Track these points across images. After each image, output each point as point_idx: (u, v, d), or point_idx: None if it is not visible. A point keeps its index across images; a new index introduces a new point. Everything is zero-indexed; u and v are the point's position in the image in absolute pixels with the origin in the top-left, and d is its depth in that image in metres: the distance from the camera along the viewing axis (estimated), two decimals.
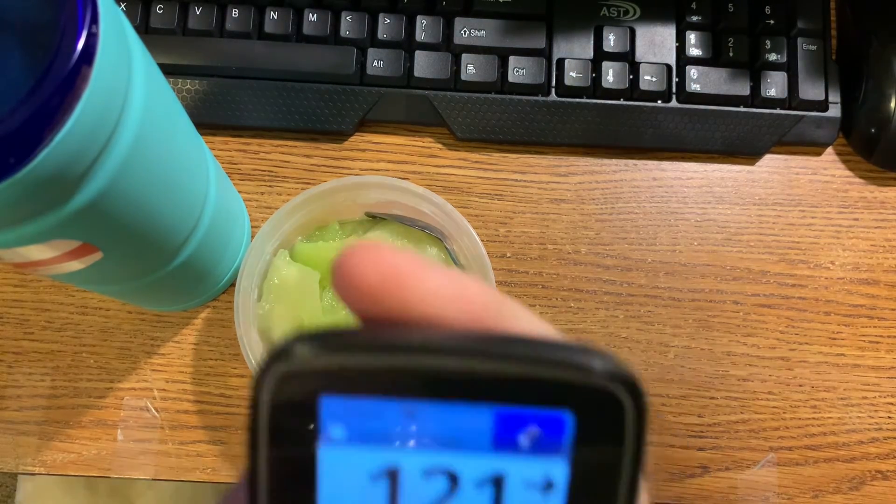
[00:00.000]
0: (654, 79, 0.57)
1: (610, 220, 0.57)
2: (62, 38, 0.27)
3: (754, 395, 0.55)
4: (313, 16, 0.57)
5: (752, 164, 0.58)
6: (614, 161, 0.58)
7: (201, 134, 0.45)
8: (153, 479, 0.53)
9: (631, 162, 0.58)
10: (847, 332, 0.56)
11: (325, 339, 0.22)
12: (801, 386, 0.55)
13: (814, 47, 0.58)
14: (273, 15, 0.57)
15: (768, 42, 0.57)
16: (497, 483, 0.22)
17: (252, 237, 0.54)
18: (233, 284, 0.54)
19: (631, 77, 0.57)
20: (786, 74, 0.57)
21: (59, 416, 0.53)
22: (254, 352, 0.49)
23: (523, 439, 0.22)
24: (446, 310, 0.22)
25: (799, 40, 0.58)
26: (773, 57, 0.57)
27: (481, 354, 0.22)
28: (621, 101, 0.57)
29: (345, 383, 0.22)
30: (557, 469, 0.22)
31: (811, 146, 0.58)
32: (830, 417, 0.55)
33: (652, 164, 0.58)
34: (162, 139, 0.36)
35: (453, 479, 0.22)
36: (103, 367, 0.54)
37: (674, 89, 0.57)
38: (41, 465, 0.51)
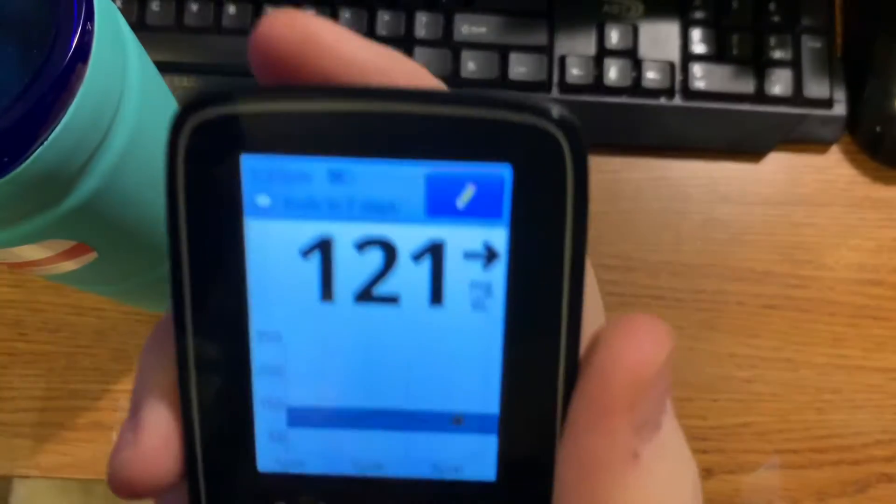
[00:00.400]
0: (657, 76, 0.56)
1: (612, 220, 0.57)
2: (56, 36, 0.27)
3: (758, 397, 0.54)
4: (310, 12, 0.56)
5: (757, 162, 0.58)
6: (617, 159, 0.58)
7: None
8: None
9: (633, 160, 0.58)
10: (852, 334, 0.55)
11: (246, 87, 0.20)
12: (805, 388, 0.55)
13: (819, 44, 0.57)
14: (271, 11, 0.56)
15: (773, 39, 0.57)
16: (435, 253, 0.21)
17: None
18: None
19: (634, 74, 0.57)
20: (790, 71, 0.57)
21: (54, 419, 0.53)
22: None
23: (460, 202, 0.21)
24: (370, 81, 0.21)
25: (803, 37, 0.57)
26: (777, 54, 0.57)
27: (411, 98, 0.20)
28: (624, 99, 0.57)
29: (268, 137, 0.20)
30: (497, 234, 0.21)
31: (816, 144, 0.58)
32: (835, 420, 0.54)
33: (655, 163, 0.58)
34: (157, 138, 0.34)
35: (389, 252, 0.21)
36: (98, 368, 0.53)
37: (677, 87, 0.57)
38: (36, 467, 0.52)
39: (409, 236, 0.21)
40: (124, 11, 0.55)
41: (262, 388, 0.22)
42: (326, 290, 0.21)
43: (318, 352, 0.22)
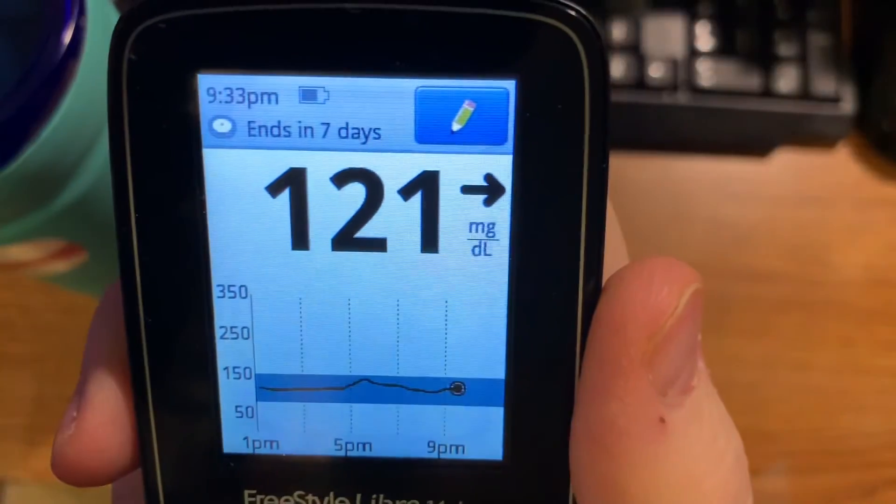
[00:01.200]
0: (661, 72, 0.56)
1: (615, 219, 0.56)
2: (48, 32, 0.27)
3: (765, 399, 0.54)
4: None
5: (763, 160, 0.57)
6: (619, 157, 0.57)
7: None
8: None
9: (637, 158, 0.57)
10: (861, 335, 0.55)
11: None
12: (813, 390, 0.54)
13: (826, 39, 0.57)
14: None
15: (779, 34, 0.56)
16: (428, 188, 0.18)
17: None
18: None
19: (637, 70, 0.56)
20: (797, 67, 0.56)
21: (46, 422, 0.52)
22: None
23: (456, 124, 0.18)
24: None
25: (810, 32, 0.57)
26: (783, 50, 0.56)
27: None
28: (627, 96, 0.56)
29: (227, 49, 0.18)
30: (501, 163, 0.18)
31: (824, 141, 0.57)
32: (843, 423, 0.54)
33: (659, 161, 0.57)
34: None
35: (373, 186, 0.18)
36: None
37: (681, 83, 0.56)
38: (27, 471, 0.51)
39: (396, 167, 0.18)
40: (117, 6, 0.54)
41: (226, 354, 0.19)
42: (299, 234, 0.19)
43: (291, 309, 0.19)
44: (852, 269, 0.55)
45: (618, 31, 0.56)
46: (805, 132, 0.56)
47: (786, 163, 0.57)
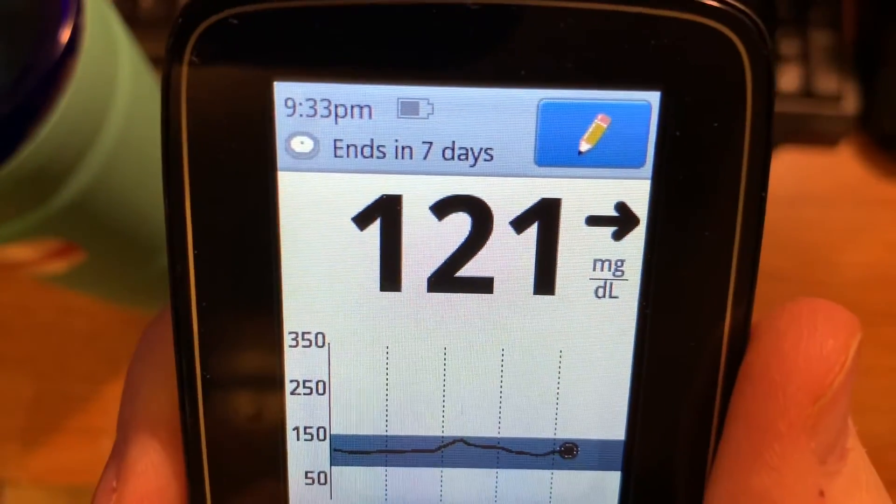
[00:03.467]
0: None
1: None
2: (46, 30, 0.27)
3: None
4: None
5: None
6: None
7: None
8: None
9: None
10: (864, 336, 0.54)
11: None
12: None
13: (828, 38, 0.56)
14: None
15: (781, 33, 0.56)
16: (546, 218, 0.15)
17: None
18: None
19: None
20: (799, 66, 0.56)
21: (43, 423, 0.52)
22: None
23: (584, 144, 0.15)
24: None
25: (812, 31, 0.56)
26: (786, 49, 0.56)
27: None
28: None
29: (311, 53, 0.15)
30: (637, 189, 0.15)
31: (826, 141, 0.57)
32: None
33: None
34: (149, 134, 0.35)
35: (481, 216, 0.15)
36: (89, 371, 0.53)
37: None
38: (24, 472, 0.51)
39: (509, 194, 0.16)
40: (116, 4, 0.54)
41: (296, 412, 0.17)
42: (389, 272, 0.16)
43: (376, 360, 0.17)
44: (854, 268, 0.55)
45: None
46: (807, 131, 0.56)
47: (787, 162, 0.57)
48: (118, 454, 0.17)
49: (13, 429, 0.52)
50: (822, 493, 0.15)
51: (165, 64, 0.15)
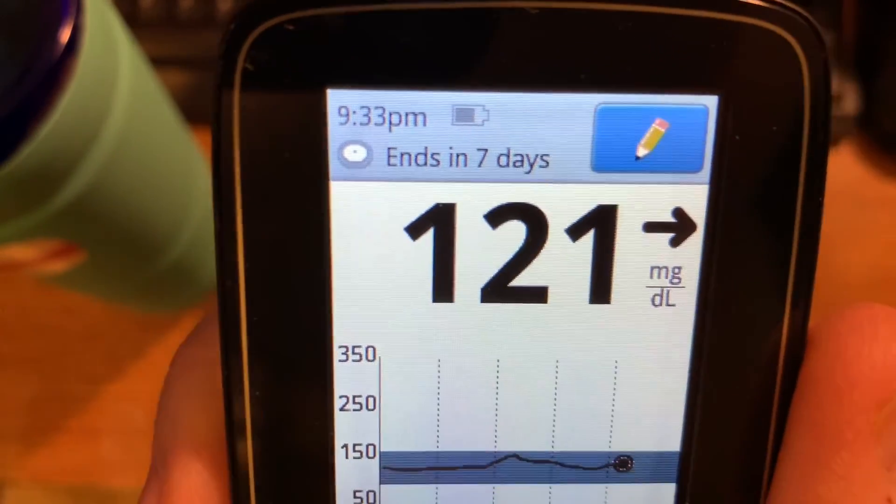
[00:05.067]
0: None
1: None
2: (45, 30, 0.27)
3: None
4: None
5: None
6: None
7: (190, 128, 0.44)
8: (140, 489, 0.51)
9: None
10: None
11: None
12: None
13: (828, 38, 0.55)
14: None
15: None
16: (603, 225, 0.15)
17: None
18: None
19: None
20: None
21: (43, 423, 0.52)
22: None
23: (642, 149, 0.15)
24: None
25: None
26: None
27: None
28: None
29: (364, 59, 0.14)
30: (695, 195, 0.15)
31: None
32: None
33: None
34: (149, 134, 0.35)
35: (536, 224, 0.15)
36: (88, 371, 0.52)
37: None
38: (24, 472, 0.51)
39: (566, 201, 0.15)
40: (115, 4, 0.54)
41: (345, 429, 0.16)
42: (442, 283, 0.16)
43: (428, 374, 0.16)
44: (854, 268, 0.55)
45: None
46: None
47: None
48: (158, 477, 0.17)
49: (13, 429, 0.52)
50: (889, 501, 0.15)
51: (217, 70, 0.14)
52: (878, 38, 0.57)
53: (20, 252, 0.33)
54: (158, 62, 0.54)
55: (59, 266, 0.36)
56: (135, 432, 0.52)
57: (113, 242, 0.37)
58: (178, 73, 0.55)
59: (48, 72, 0.26)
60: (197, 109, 0.54)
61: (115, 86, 0.31)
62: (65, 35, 0.27)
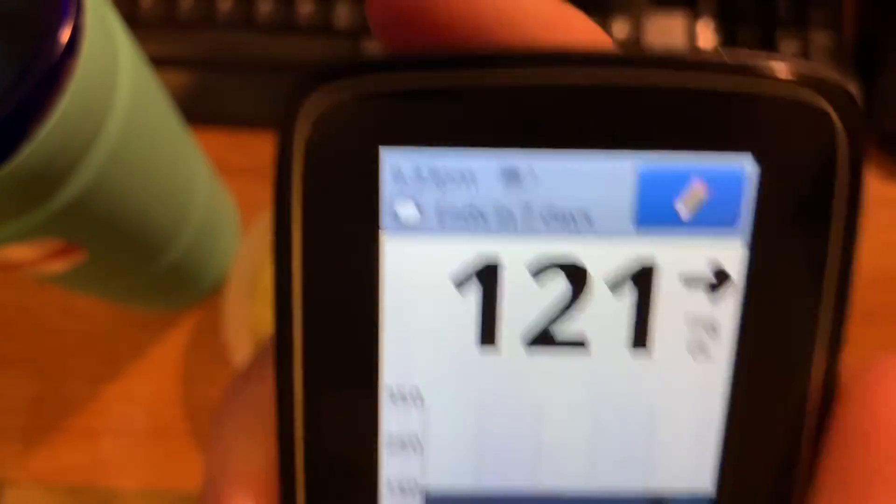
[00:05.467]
0: None
1: None
2: (46, 30, 0.27)
3: None
4: (307, 5, 0.55)
5: None
6: None
7: (190, 128, 0.44)
8: (141, 489, 0.52)
9: None
10: (863, 336, 0.53)
11: (379, 58, 0.15)
12: None
13: (828, 39, 0.56)
14: (266, 4, 0.55)
15: (781, 33, 0.56)
16: (643, 280, 0.16)
17: (243, 235, 0.53)
18: (223, 285, 0.53)
19: None
20: None
21: (43, 423, 0.52)
22: (244, 356, 0.48)
23: (682, 208, 0.16)
24: (539, 40, 0.15)
25: (812, 31, 0.56)
26: (785, 49, 0.56)
27: (612, 64, 0.15)
28: None
29: (415, 123, 0.15)
30: (732, 252, 0.16)
31: None
32: None
33: None
34: (149, 134, 0.35)
35: (579, 278, 0.16)
36: (88, 371, 0.53)
37: None
38: (24, 472, 0.51)
39: (607, 256, 0.16)
40: (115, 5, 0.54)
41: (390, 467, 0.17)
42: (487, 332, 0.16)
43: (472, 416, 0.17)
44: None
45: (619, 29, 0.56)
46: None
47: None
48: None
49: (13, 429, 0.52)
50: None
51: (280, 132, 0.15)
52: (878, 38, 0.56)
53: (20, 252, 0.33)
54: (158, 62, 0.54)
55: (59, 266, 0.36)
56: (135, 432, 0.52)
57: (113, 242, 0.37)
58: (178, 73, 0.55)
59: (48, 72, 0.27)
60: (197, 109, 0.54)
61: (115, 86, 0.31)
62: (65, 35, 0.27)
